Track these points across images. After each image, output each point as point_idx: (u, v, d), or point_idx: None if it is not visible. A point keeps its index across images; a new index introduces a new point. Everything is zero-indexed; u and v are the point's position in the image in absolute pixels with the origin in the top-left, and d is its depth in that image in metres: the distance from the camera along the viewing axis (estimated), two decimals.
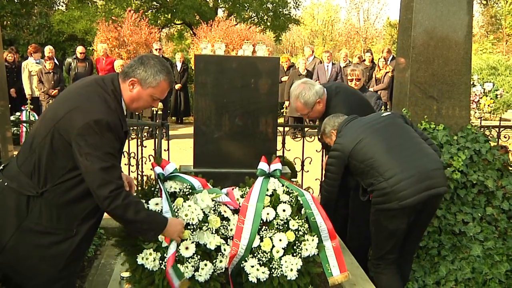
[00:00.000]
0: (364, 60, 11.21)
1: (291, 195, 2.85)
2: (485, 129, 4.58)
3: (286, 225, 2.74)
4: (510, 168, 4.06)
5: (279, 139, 3.99)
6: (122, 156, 3.02)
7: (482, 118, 5.73)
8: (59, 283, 2.26)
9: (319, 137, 3.62)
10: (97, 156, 2.07)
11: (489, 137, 4.22)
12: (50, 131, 2.13)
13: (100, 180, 2.08)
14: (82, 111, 2.11)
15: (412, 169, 2.89)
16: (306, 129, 5.30)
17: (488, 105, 13.45)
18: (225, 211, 2.74)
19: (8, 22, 17.16)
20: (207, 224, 2.62)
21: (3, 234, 2.14)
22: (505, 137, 4.86)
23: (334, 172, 3.18)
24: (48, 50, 10.24)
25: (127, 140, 3.50)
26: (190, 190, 2.66)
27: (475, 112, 11.20)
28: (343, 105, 3.44)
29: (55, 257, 2.20)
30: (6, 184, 2.17)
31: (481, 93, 14.09)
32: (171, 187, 2.65)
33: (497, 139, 4.65)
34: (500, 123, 4.88)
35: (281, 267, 2.67)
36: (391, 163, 2.91)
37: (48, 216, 2.14)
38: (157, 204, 2.58)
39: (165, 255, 2.50)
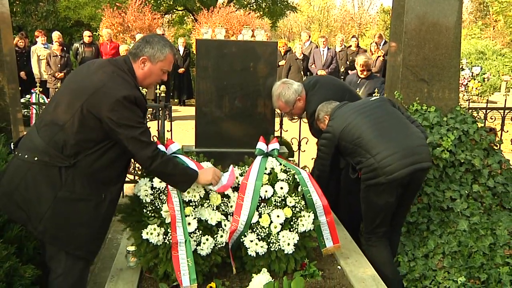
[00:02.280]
0: (350, 46, 11.18)
1: (288, 173, 2.84)
2: (473, 110, 4.56)
3: (283, 202, 2.74)
4: (496, 148, 4.05)
5: (277, 120, 3.97)
6: None
7: (470, 100, 5.72)
8: (95, 243, 2.36)
9: (309, 126, 3.62)
10: (132, 126, 2.22)
11: (476, 118, 4.21)
12: (78, 109, 2.18)
13: (140, 143, 2.25)
14: (110, 88, 2.20)
15: (397, 146, 2.91)
16: None
17: (476, 88, 13.37)
18: None
19: (18, 9, 16.90)
20: (208, 201, 2.62)
21: (39, 206, 2.18)
22: (492, 119, 4.86)
23: (326, 152, 3.23)
24: (55, 35, 10.15)
25: None
26: None
27: (464, 95, 11.12)
28: (318, 100, 3.43)
29: (90, 221, 2.27)
30: (36, 158, 2.19)
31: (469, 76, 14.00)
32: None
33: (484, 120, 4.64)
34: (487, 105, 4.88)
35: (278, 242, 2.68)
36: (377, 142, 2.93)
37: (80, 184, 2.22)
38: (161, 182, 2.57)
39: (168, 229, 2.51)
